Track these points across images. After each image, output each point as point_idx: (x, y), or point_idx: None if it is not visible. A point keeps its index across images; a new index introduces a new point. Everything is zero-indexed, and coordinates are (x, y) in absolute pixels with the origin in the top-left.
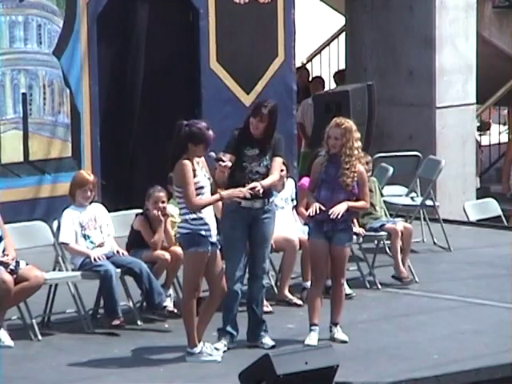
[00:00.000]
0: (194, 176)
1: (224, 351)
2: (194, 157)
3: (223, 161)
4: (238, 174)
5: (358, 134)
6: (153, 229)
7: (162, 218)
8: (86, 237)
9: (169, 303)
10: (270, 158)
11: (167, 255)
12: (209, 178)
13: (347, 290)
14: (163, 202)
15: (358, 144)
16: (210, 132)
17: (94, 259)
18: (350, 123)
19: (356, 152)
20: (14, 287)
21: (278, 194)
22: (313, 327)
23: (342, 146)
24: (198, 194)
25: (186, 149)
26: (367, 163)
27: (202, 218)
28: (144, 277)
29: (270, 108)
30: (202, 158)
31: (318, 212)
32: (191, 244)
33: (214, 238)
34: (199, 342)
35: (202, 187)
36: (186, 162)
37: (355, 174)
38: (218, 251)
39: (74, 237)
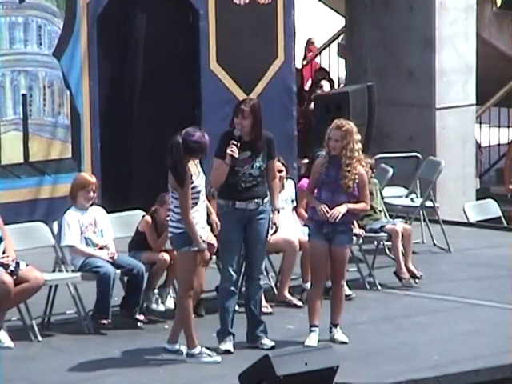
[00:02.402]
0: (192, 182)
1: (231, 352)
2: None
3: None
4: (231, 178)
5: (358, 136)
6: (158, 232)
7: None
8: (86, 240)
9: (170, 302)
10: (263, 160)
11: (166, 256)
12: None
13: (347, 291)
14: None
15: (359, 146)
16: (206, 137)
17: (112, 257)
18: (350, 125)
19: (356, 154)
20: (14, 288)
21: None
22: (313, 328)
23: (342, 148)
24: (194, 198)
25: (187, 158)
26: (371, 167)
27: (193, 218)
28: (138, 281)
29: (250, 104)
30: (196, 160)
31: (327, 215)
32: (184, 243)
33: (204, 237)
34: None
35: (199, 191)
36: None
37: (356, 176)
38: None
39: (79, 238)
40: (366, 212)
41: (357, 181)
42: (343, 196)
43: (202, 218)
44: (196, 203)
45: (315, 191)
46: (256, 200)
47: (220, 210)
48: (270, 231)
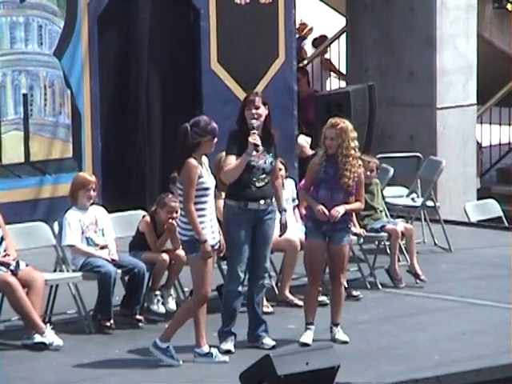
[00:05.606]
0: (200, 177)
1: (232, 352)
2: (202, 155)
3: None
4: (245, 175)
5: (354, 134)
6: (158, 233)
7: (175, 227)
8: (87, 239)
9: (172, 304)
10: (273, 156)
11: (166, 257)
12: (215, 177)
13: (354, 292)
14: (177, 212)
15: (355, 143)
16: (214, 123)
17: (113, 260)
18: (345, 123)
19: (353, 152)
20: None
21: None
22: (309, 326)
23: (338, 147)
24: (202, 196)
25: (196, 147)
26: (376, 168)
27: (201, 223)
28: (139, 281)
29: (260, 95)
30: (206, 159)
31: (327, 215)
32: (192, 249)
33: (213, 241)
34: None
35: (207, 188)
36: (195, 162)
37: (355, 174)
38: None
39: (80, 238)
40: (360, 210)
41: (356, 179)
42: (342, 194)
43: (209, 223)
44: (204, 202)
45: (311, 189)
46: (267, 200)
47: (230, 211)
48: (279, 232)
